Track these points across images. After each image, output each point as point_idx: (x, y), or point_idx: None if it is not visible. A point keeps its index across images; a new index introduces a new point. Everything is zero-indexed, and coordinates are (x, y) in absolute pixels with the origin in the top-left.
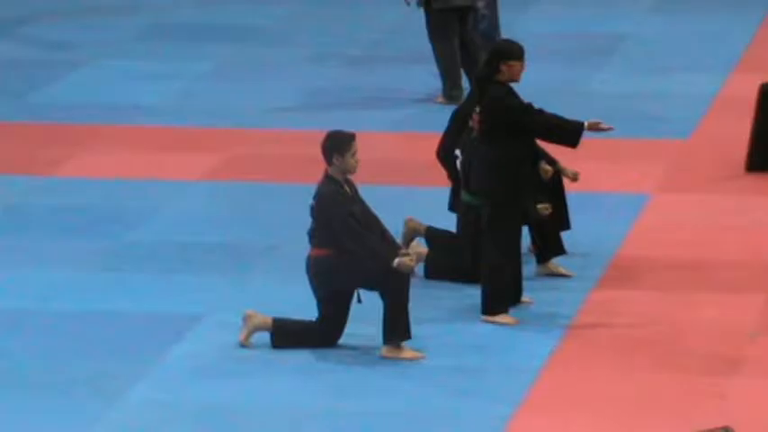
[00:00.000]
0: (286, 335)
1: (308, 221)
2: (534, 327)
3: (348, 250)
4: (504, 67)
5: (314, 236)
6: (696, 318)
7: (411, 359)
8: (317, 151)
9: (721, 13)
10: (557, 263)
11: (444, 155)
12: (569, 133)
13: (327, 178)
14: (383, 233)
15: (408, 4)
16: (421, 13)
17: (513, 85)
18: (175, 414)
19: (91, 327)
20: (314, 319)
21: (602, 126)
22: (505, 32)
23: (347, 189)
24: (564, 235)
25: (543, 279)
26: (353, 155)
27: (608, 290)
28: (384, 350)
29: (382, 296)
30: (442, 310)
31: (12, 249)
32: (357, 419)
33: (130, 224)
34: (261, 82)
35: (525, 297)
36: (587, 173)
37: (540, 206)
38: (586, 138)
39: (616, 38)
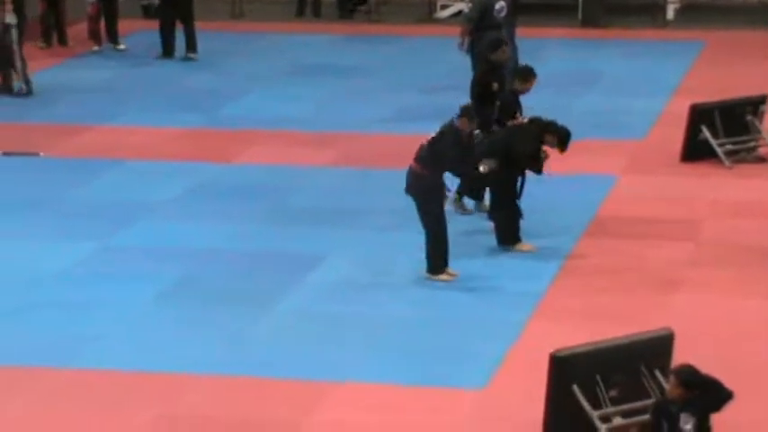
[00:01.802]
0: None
1: (394, 194)
2: (538, 260)
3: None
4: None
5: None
6: (651, 255)
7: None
8: (402, 148)
9: (665, 57)
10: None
11: None
12: None
13: (452, 126)
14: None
15: (465, 52)
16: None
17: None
18: (310, 319)
19: (257, 261)
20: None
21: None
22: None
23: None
24: (561, 201)
25: (547, 227)
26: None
27: (591, 237)
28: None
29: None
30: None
31: (206, 210)
32: (419, 325)
33: (285, 193)
34: (362, 103)
35: (526, 244)
36: (574, 161)
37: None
38: (583, 137)
39: (595, 73)
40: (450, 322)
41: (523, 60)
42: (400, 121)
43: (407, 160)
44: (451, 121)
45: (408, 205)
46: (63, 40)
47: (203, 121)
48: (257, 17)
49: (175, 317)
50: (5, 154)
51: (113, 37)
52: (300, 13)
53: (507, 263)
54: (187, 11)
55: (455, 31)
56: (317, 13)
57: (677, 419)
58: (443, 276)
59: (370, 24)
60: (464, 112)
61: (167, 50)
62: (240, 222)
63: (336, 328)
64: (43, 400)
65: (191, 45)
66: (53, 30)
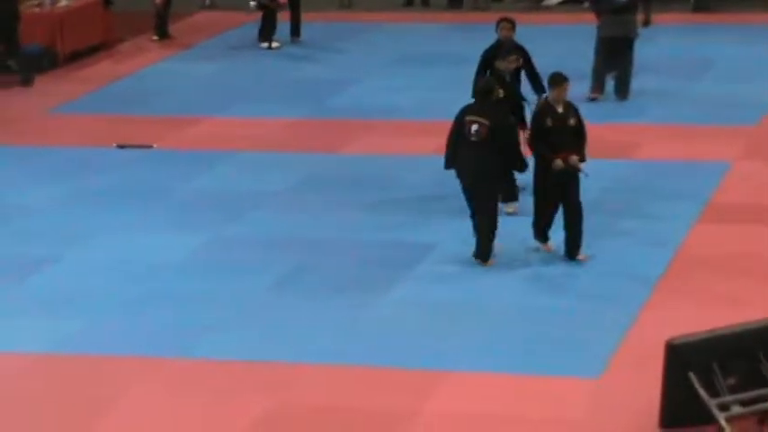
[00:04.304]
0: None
1: None
2: (653, 247)
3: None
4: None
5: None
6: (767, 240)
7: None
8: None
9: None
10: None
11: None
12: None
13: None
14: None
15: None
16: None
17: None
18: (423, 308)
19: (368, 250)
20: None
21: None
22: (640, 55)
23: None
24: (674, 187)
25: (661, 214)
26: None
27: (706, 224)
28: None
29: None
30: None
31: (316, 200)
32: (533, 313)
33: (394, 183)
34: (465, 92)
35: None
36: (687, 147)
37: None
38: (684, 122)
39: (708, 59)
40: (564, 311)
41: (637, 45)
42: None
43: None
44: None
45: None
46: (167, 33)
47: (312, 111)
48: (366, 7)
49: (289, 307)
50: (120, 146)
51: (294, 29)
52: (409, 2)
53: (621, 250)
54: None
55: (564, 18)
56: (425, 3)
57: None
58: (492, 261)
59: (479, 13)
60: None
61: (265, 35)
62: (350, 212)
63: (449, 317)
64: (161, 390)
65: (295, 31)
66: (167, 24)
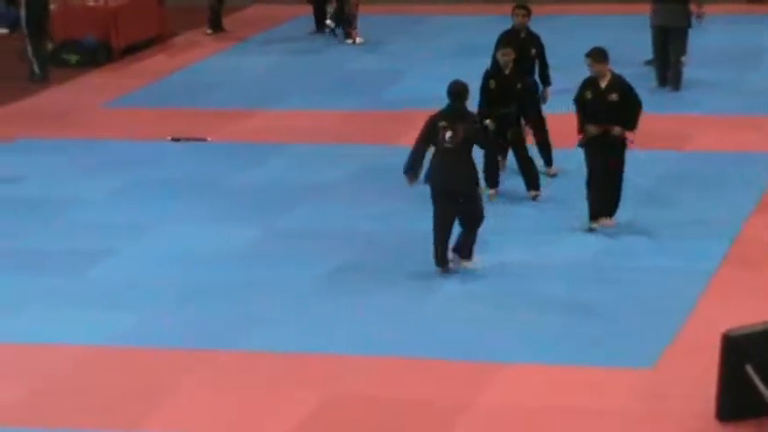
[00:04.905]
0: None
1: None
2: (709, 238)
3: None
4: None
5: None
6: None
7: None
8: (564, 127)
9: None
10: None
11: None
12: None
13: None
14: None
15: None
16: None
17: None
18: (476, 300)
19: (421, 241)
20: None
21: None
22: (692, 46)
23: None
24: (730, 178)
25: (717, 205)
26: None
27: (761, 215)
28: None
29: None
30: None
31: (369, 192)
32: (587, 304)
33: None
34: None
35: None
36: (742, 138)
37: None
38: (737, 113)
39: (763, 50)
40: (620, 301)
41: (693, 35)
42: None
43: (566, 139)
44: None
45: (569, 187)
46: (221, 27)
47: (366, 103)
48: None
49: (341, 298)
50: (174, 139)
51: (345, 26)
52: None
53: (677, 242)
54: None
55: (617, 8)
56: None
57: None
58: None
59: (537, 5)
60: None
61: (319, 26)
62: (403, 203)
63: (502, 309)
64: (214, 382)
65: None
66: (221, 17)
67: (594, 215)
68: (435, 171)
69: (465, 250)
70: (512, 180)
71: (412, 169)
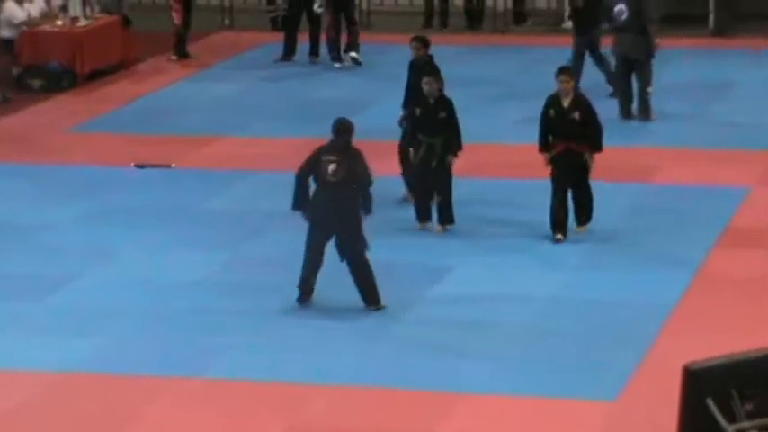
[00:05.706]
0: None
1: (520, 206)
2: (670, 271)
3: None
4: None
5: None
6: None
7: None
8: (530, 158)
9: None
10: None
11: None
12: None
13: None
14: None
15: None
16: None
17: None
18: (439, 330)
19: (385, 271)
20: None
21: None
22: (658, 78)
23: None
24: (693, 211)
25: (679, 238)
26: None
27: (724, 249)
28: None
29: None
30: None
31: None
32: (549, 335)
33: (406, 204)
34: (489, 112)
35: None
36: (706, 171)
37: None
38: (703, 147)
39: (727, 83)
40: (583, 333)
41: (656, 68)
42: (524, 130)
43: (536, 171)
44: None
45: (532, 216)
46: (186, 53)
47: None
48: (385, 28)
49: (304, 327)
50: (138, 166)
51: (313, 49)
52: (428, 23)
53: (640, 274)
54: (351, 11)
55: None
56: (444, 24)
57: None
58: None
59: (498, 35)
60: None
61: (288, 52)
62: (368, 233)
63: (466, 339)
64: (179, 409)
65: (314, 50)
66: (186, 43)
67: (558, 227)
68: (317, 208)
69: (371, 296)
70: (476, 208)
71: (301, 207)
